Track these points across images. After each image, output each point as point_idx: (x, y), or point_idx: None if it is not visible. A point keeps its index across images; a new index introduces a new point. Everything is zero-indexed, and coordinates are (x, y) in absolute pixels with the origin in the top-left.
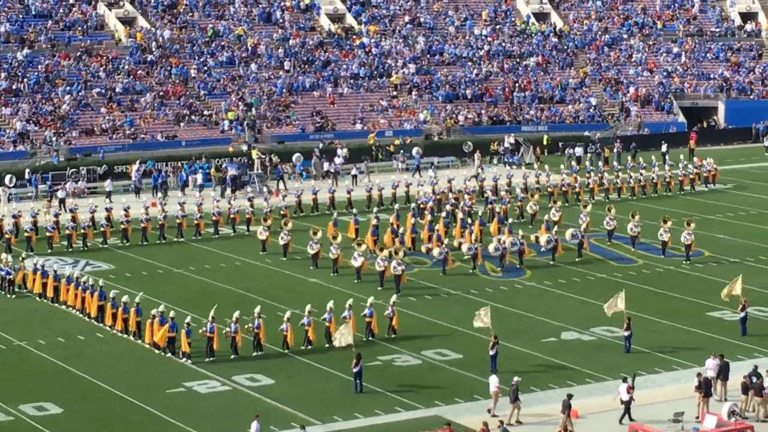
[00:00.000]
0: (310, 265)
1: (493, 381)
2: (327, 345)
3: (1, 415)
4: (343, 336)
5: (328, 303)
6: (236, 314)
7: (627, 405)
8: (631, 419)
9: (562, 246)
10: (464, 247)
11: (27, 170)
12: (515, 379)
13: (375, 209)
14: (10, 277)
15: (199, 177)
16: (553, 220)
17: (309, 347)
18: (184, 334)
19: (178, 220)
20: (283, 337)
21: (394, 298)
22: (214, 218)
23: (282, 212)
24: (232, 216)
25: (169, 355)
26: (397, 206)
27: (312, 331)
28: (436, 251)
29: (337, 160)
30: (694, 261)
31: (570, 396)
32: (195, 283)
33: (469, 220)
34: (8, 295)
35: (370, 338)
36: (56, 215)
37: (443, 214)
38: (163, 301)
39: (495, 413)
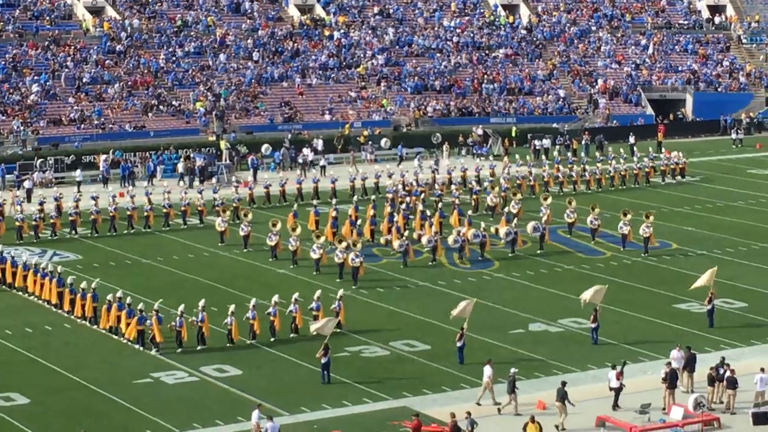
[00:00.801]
0: (270, 257)
1: (487, 371)
2: (292, 335)
3: None
4: (326, 326)
5: (293, 294)
6: (201, 303)
7: (617, 392)
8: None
9: (527, 238)
10: (424, 240)
11: None
12: (512, 370)
13: (334, 201)
14: None
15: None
16: (513, 213)
17: (273, 339)
18: (155, 320)
19: (146, 212)
20: (228, 330)
21: (341, 292)
22: (182, 209)
23: (234, 204)
24: (199, 208)
25: (140, 348)
26: (355, 198)
27: (278, 321)
28: (396, 243)
29: (306, 151)
30: (661, 253)
31: (564, 383)
32: (163, 274)
33: (428, 212)
34: None
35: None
36: (19, 204)
37: (403, 206)
38: (131, 292)
39: (480, 402)
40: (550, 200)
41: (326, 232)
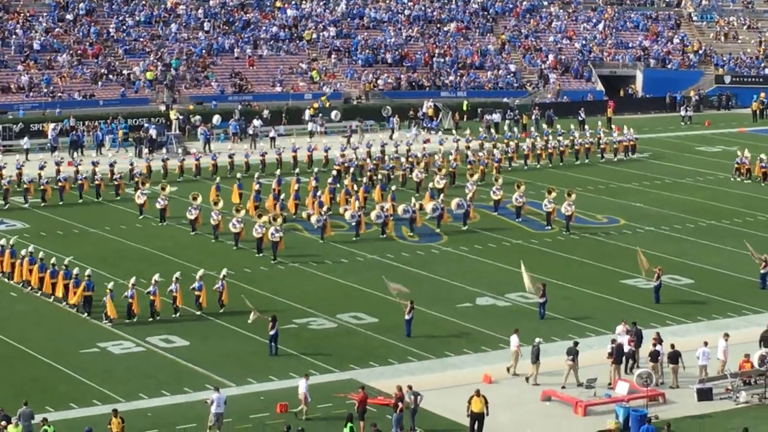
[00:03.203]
0: (190, 231)
1: (514, 340)
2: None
3: None
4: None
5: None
6: (224, 271)
7: (632, 355)
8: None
9: (473, 211)
10: (347, 215)
11: None
12: (537, 340)
13: (256, 174)
14: None
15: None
16: (438, 188)
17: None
18: (108, 299)
19: (96, 182)
20: (173, 298)
21: (224, 271)
22: (136, 179)
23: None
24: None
25: (85, 315)
26: (278, 171)
27: (204, 296)
28: (313, 218)
29: (256, 122)
30: (609, 229)
31: (576, 343)
32: (110, 242)
33: (354, 187)
34: None
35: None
36: None
37: (328, 180)
38: (80, 262)
39: (516, 372)
40: (476, 177)
41: (248, 205)
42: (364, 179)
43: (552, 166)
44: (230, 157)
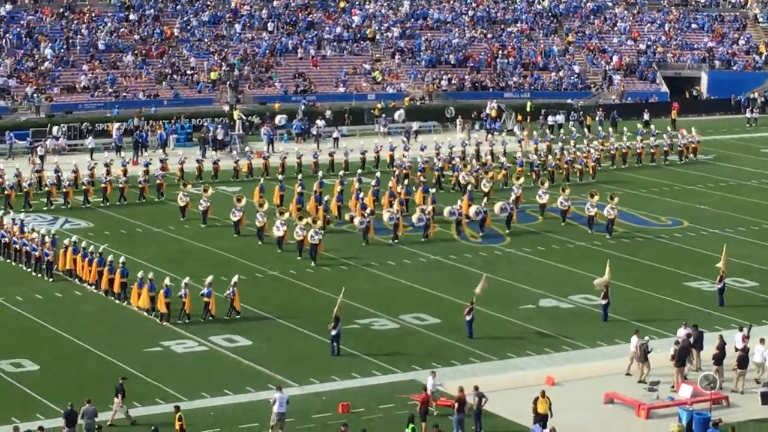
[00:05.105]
0: (233, 233)
1: (634, 341)
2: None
3: None
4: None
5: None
6: (235, 278)
7: (744, 353)
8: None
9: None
10: (385, 216)
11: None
12: (646, 338)
13: (299, 176)
14: None
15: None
16: (484, 191)
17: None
18: (162, 294)
19: (158, 181)
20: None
21: (235, 278)
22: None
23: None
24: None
25: (153, 317)
26: (321, 173)
27: (213, 302)
28: (357, 220)
29: (319, 122)
30: (672, 231)
31: (647, 340)
32: (173, 242)
33: (399, 189)
34: None
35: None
36: (38, 171)
37: (405, 181)
38: (144, 261)
39: (629, 372)
40: (522, 180)
41: (291, 208)
42: (406, 181)
43: (615, 168)
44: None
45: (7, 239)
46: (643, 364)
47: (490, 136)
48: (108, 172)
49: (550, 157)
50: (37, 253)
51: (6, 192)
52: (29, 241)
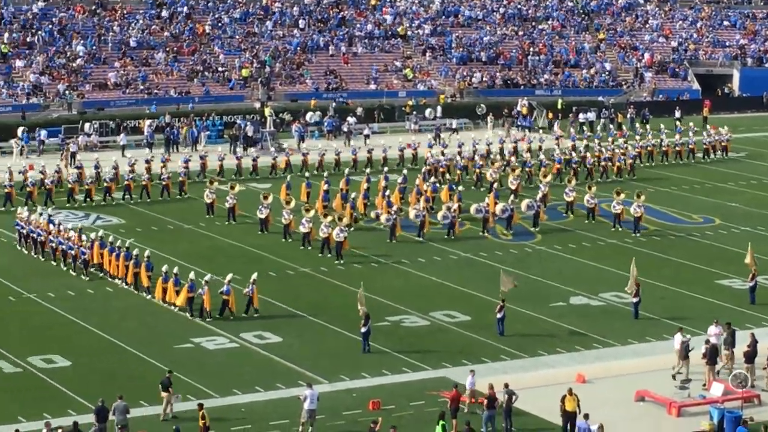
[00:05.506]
0: (259, 230)
1: (677, 339)
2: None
3: (9, 367)
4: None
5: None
6: (254, 276)
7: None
8: None
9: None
10: (411, 214)
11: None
12: (687, 336)
13: (325, 173)
14: (24, 231)
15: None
16: (511, 189)
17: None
18: (208, 291)
19: (182, 178)
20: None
21: (254, 276)
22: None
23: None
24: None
25: (188, 315)
26: (347, 170)
27: (232, 300)
28: (383, 217)
29: (351, 119)
30: (704, 228)
31: (689, 338)
32: (204, 239)
33: (425, 186)
34: (24, 250)
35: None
36: (79, 167)
37: (400, 179)
38: (172, 257)
39: (680, 371)
40: (549, 178)
41: (317, 205)
42: (432, 178)
43: (645, 165)
44: (320, 155)
45: (43, 238)
46: (683, 362)
47: (523, 133)
48: (148, 170)
49: (588, 154)
50: (73, 252)
51: (47, 187)
52: (65, 240)
